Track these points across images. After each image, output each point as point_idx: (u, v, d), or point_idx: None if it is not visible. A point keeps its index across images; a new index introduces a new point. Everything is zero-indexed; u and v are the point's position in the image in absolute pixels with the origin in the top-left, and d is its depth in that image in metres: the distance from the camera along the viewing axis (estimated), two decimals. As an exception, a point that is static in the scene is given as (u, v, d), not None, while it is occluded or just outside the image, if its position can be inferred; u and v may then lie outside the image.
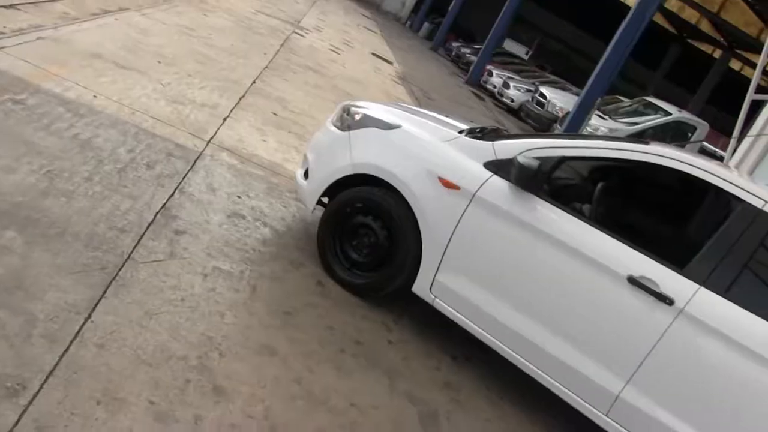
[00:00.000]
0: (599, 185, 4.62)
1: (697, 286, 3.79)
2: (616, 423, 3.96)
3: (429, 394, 4.00)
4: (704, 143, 17.89)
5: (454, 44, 32.85)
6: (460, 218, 4.26)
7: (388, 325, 4.50)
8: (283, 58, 11.53)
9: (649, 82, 35.24)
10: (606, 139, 4.39)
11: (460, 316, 4.33)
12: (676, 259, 3.90)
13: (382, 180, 4.52)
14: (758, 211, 3.83)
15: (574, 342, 4.02)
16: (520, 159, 4.08)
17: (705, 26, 28.82)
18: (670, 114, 17.65)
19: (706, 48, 32.88)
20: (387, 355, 4.17)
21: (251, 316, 3.84)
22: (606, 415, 3.99)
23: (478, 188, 4.23)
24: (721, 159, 12.37)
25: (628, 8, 14.52)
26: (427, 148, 4.49)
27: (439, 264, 4.34)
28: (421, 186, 4.37)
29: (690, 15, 28.05)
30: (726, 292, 3.76)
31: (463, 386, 4.26)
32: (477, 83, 25.15)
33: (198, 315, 3.62)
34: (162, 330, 3.37)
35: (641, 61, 36.66)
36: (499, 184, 4.22)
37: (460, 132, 4.65)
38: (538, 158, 4.12)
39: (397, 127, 4.63)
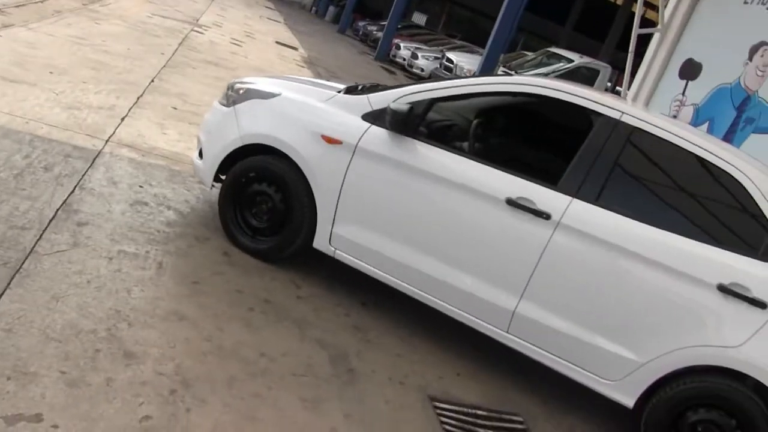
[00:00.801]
0: (474, 121, 4.94)
1: (569, 198, 4.11)
2: (517, 337, 4.28)
3: (339, 338, 4.25)
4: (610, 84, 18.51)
5: (361, 24, 33.09)
6: (347, 170, 4.51)
7: (296, 283, 4.74)
8: (182, 56, 11.59)
9: (559, 37, 36.02)
10: (474, 78, 4.68)
11: (360, 263, 4.59)
12: (549, 177, 4.23)
13: (272, 147, 4.73)
14: (616, 122, 4.18)
15: (467, 269, 4.31)
16: (392, 106, 4.35)
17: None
18: (573, 61, 18.26)
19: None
20: (296, 309, 4.41)
21: (158, 289, 4.04)
22: (507, 332, 4.30)
23: (359, 139, 4.49)
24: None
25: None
26: (306, 110, 4.72)
27: (334, 217, 4.59)
28: (306, 146, 4.60)
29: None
30: (596, 200, 4.11)
31: (372, 328, 4.52)
32: (386, 58, 25.46)
33: (105, 293, 3.79)
34: (69, 310, 3.54)
35: (549, 17, 37.48)
36: (377, 132, 4.48)
37: (339, 92, 4.88)
38: (409, 103, 4.39)
39: (277, 95, 4.85)
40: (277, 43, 18.91)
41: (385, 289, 4.60)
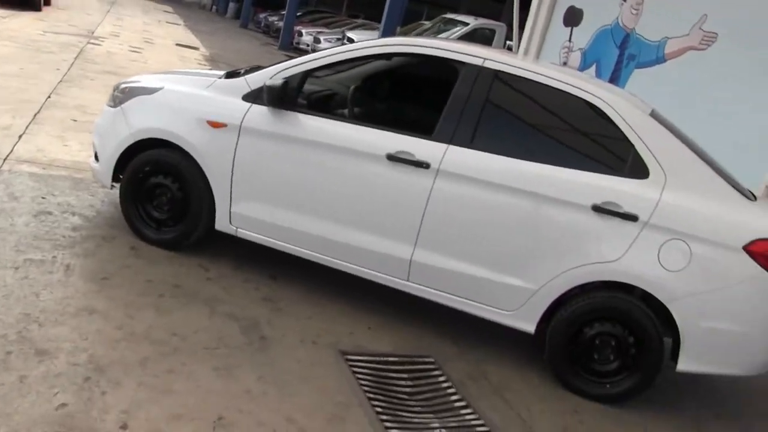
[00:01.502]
0: (351, 87, 5.15)
1: (445, 146, 4.37)
2: (418, 284, 4.53)
3: (249, 310, 4.44)
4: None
5: (262, 15, 32.97)
6: (235, 151, 4.69)
7: (204, 266, 4.90)
8: (79, 70, 11.51)
9: (461, 3, 36.44)
10: (342, 47, 4.88)
11: (262, 237, 4.78)
12: (425, 129, 4.49)
13: (163, 139, 4.87)
14: (480, 68, 4.44)
15: (361, 226, 4.54)
16: (268, 83, 4.54)
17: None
18: (468, 24, 18.67)
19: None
20: (206, 290, 4.58)
21: (67, 289, 4.16)
22: (408, 281, 4.55)
23: (242, 120, 4.67)
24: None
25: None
26: (189, 99, 4.88)
27: (230, 198, 4.76)
28: (194, 133, 4.76)
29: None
30: (471, 143, 4.37)
31: (283, 298, 4.73)
32: (290, 46, 25.47)
33: (13, 300, 3.90)
34: (-23, 321, 3.64)
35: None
36: (259, 110, 4.67)
37: (219, 78, 5.04)
38: (284, 78, 4.58)
39: (160, 88, 4.98)
40: (178, 45, 18.80)
41: (294, 259, 4.80)
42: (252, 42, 26.43)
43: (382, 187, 4.46)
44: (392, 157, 4.40)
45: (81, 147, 7.05)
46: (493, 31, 18.64)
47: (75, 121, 8.07)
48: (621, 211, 4.17)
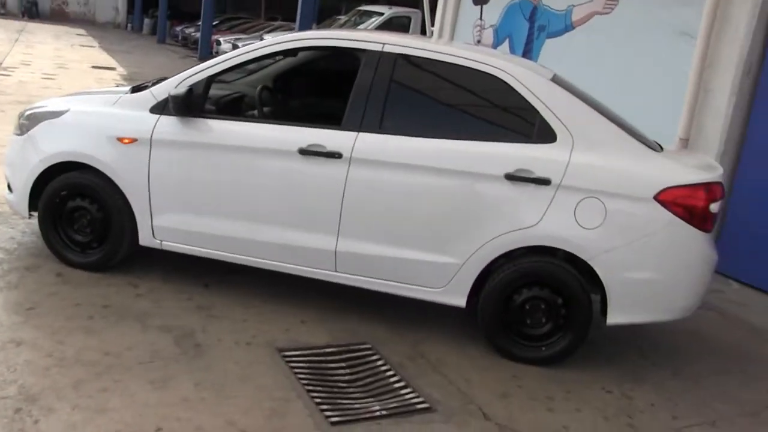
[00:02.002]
0: (258, 87, 5.17)
1: (355, 134, 4.42)
2: (347, 274, 4.58)
3: (182, 320, 4.44)
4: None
5: (178, 29, 32.61)
6: (149, 164, 4.67)
7: (134, 283, 4.87)
8: (-10, 102, 11.26)
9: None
10: (242, 48, 4.88)
11: (188, 246, 4.77)
12: (335, 120, 4.53)
13: (76, 162, 4.81)
14: (380, 53, 4.50)
15: (284, 224, 4.57)
16: (172, 92, 4.53)
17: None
18: (383, 14, 18.82)
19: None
20: (137, 306, 4.56)
21: (-9, 324, 4.10)
22: (336, 272, 4.59)
23: (152, 132, 4.65)
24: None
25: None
26: (96, 117, 4.84)
27: (151, 211, 4.74)
28: (105, 152, 4.72)
29: None
30: (380, 128, 4.43)
31: (216, 305, 4.73)
32: (211, 56, 25.21)
33: (-65, 342, 3.83)
34: None
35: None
36: (167, 121, 4.66)
37: (126, 93, 5.00)
38: (189, 86, 4.57)
39: (66, 111, 4.93)
40: (94, 67, 18.49)
41: (225, 265, 4.82)
42: (171, 56, 26.11)
43: (298, 181, 4.49)
44: (304, 151, 4.43)
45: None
46: (409, 18, 18.80)
47: (-11, 154, 7.88)
48: (533, 176, 4.26)
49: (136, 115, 4.74)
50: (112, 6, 42.89)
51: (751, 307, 6.36)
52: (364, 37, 4.62)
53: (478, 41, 10.55)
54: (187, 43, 30.78)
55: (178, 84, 4.66)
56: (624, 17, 8.20)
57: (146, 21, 38.04)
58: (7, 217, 5.88)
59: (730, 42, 6.91)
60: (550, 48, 9.30)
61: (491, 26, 10.41)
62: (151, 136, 4.64)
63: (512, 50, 9.90)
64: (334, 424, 3.56)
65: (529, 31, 9.67)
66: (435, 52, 4.52)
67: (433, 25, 11.61)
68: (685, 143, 7.15)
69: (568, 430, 3.85)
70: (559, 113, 4.34)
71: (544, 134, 4.33)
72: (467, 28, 10.88)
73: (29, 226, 5.71)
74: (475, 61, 4.47)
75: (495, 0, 10.36)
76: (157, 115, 4.68)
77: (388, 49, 4.52)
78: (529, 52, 9.60)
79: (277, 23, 27.78)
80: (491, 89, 4.48)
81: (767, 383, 4.82)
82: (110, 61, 20.60)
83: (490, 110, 4.62)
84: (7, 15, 38.88)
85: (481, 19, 10.60)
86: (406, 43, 4.56)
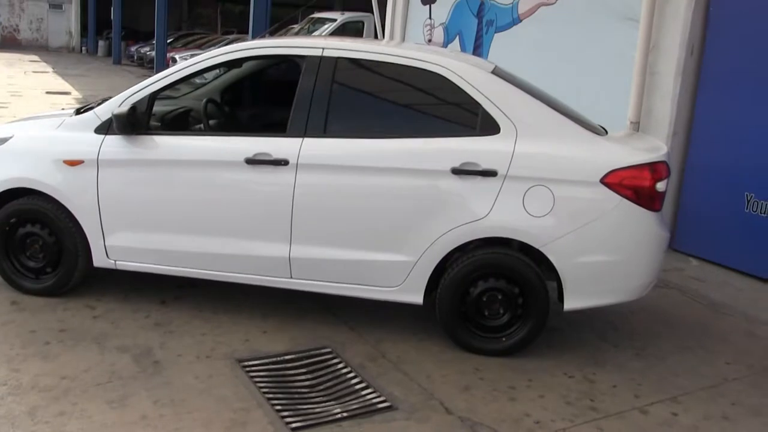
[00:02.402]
0: (204, 100, 5.17)
1: (300, 140, 4.43)
2: (303, 280, 4.58)
3: (140, 339, 4.41)
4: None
5: (133, 48, 32.41)
6: (97, 185, 4.64)
7: (91, 305, 4.84)
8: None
9: (335, 1, 36.58)
10: (183, 62, 4.87)
11: (142, 264, 4.75)
12: (280, 127, 4.54)
13: (24, 188, 4.78)
14: (320, 58, 4.51)
15: (236, 234, 4.57)
16: (115, 111, 4.51)
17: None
18: (336, 20, 18.87)
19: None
20: (94, 328, 4.52)
21: (-56, 358, 4.05)
22: (292, 278, 4.59)
23: (98, 153, 4.62)
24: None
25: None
26: (41, 142, 4.81)
27: (102, 232, 4.71)
28: (53, 176, 4.69)
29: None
30: (324, 133, 4.44)
31: (174, 320, 4.71)
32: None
33: None
34: None
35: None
36: (113, 141, 4.63)
37: (71, 115, 4.97)
38: (132, 104, 4.55)
39: (10, 137, 4.88)
40: (48, 93, 18.32)
41: (183, 281, 4.82)
42: (127, 77, 25.92)
43: (247, 191, 4.49)
44: (251, 161, 4.43)
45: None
46: (362, 23, 18.84)
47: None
48: (479, 169, 4.30)
49: (80, 136, 4.71)
50: (65, 30, 42.51)
51: (709, 283, 6.46)
52: (303, 43, 4.65)
53: (429, 40, 10.61)
54: (143, 62, 30.60)
55: (121, 103, 4.64)
56: (568, 6, 8.30)
57: (101, 43, 37.77)
58: (-40, 248, 5.80)
59: (672, 24, 7.02)
60: (499, 42, 9.38)
61: (441, 24, 10.47)
62: (98, 157, 4.62)
63: (462, 47, 9.97)
64: (294, 429, 3.56)
65: (478, 27, 9.74)
66: (375, 53, 4.55)
67: (384, 27, 11.65)
68: (636, 126, 7.25)
69: (530, 417, 3.87)
70: (501, 105, 4.37)
71: (488, 127, 4.37)
72: (418, 28, 10.93)
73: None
74: (415, 59, 4.50)
75: (444, -2, 10.42)
76: (102, 135, 4.65)
77: (327, 53, 4.54)
78: (479, 47, 9.67)
79: (232, 36, 27.68)
80: (433, 86, 4.51)
81: (725, 356, 4.90)
82: (65, 86, 20.43)
83: (433, 107, 4.65)
84: (-43, 44, 38.43)
85: (430, 18, 10.66)
86: (345, 47, 4.58)
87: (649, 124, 7.24)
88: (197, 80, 5.33)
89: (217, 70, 5.30)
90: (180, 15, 44.36)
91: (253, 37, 15.04)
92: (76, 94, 18.46)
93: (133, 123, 4.53)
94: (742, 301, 6.02)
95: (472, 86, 4.40)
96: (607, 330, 5.15)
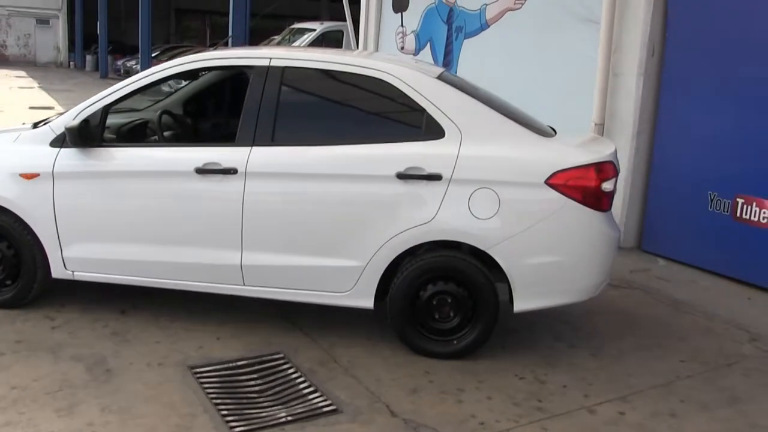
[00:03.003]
0: (158, 113, 5.25)
1: (248, 149, 4.50)
2: (255, 287, 4.65)
3: (95, 348, 4.46)
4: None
5: (120, 62, 32.52)
6: (53, 197, 4.71)
7: (50, 316, 4.90)
8: None
9: (321, 11, 36.77)
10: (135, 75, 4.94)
11: (99, 275, 4.82)
12: (229, 137, 4.62)
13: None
14: (267, 68, 4.60)
15: (188, 243, 4.65)
16: (68, 125, 4.59)
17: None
18: (315, 29, 19.01)
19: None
20: (51, 338, 4.58)
21: None
22: (245, 285, 4.65)
23: (53, 166, 4.69)
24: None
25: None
26: (-2, 156, 4.86)
27: (60, 244, 4.77)
28: (9, 189, 4.77)
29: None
30: (272, 141, 4.52)
31: (130, 329, 4.76)
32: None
33: None
34: None
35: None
36: (68, 153, 4.71)
37: (28, 129, 5.05)
38: (85, 117, 4.63)
39: (-35, 153, 4.95)
40: (32, 108, 18.37)
41: (143, 291, 4.88)
42: (114, 90, 25.97)
43: (199, 200, 4.57)
44: (201, 170, 4.50)
45: None
46: (341, 32, 18.95)
47: None
48: (424, 173, 4.36)
49: (36, 150, 4.78)
50: (53, 45, 42.66)
51: (674, 282, 6.51)
52: (251, 54, 4.73)
53: (402, 48, 10.69)
54: (129, 75, 30.64)
55: (75, 116, 4.71)
56: (534, 10, 8.38)
57: (88, 57, 37.91)
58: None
59: (633, 26, 7.10)
60: (468, 48, 9.46)
61: (413, 32, 10.55)
62: (53, 170, 4.69)
63: (434, 54, 10.05)
64: (238, 433, 3.62)
65: (448, 33, 9.82)
66: (320, 61, 4.63)
67: (357, 36, 11.74)
68: (601, 128, 7.32)
69: (475, 418, 3.92)
70: (446, 109, 4.44)
71: (433, 131, 4.43)
72: (391, 36, 11.01)
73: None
74: (360, 66, 4.58)
75: (414, 6, 10.50)
76: (58, 149, 4.72)
77: (275, 63, 4.61)
78: (449, 53, 9.75)
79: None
80: (378, 92, 4.58)
81: (681, 354, 4.94)
82: (49, 101, 20.50)
83: (378, 113, 4.75)
84: (-52, 64, 38.56)
85: (402, 26, 10.75)
86: (292, 56, 4.67)
87: (613, 125, 7.31)
88: (165, 89, 5.41)
89: (174, 83, 5.37)
90: (168, 28, 44.51)
91: (236, 40, 15.18)
92: (59, 108, 18.47)
93: (86, 136, 4.60)
94: (705, 300, 6.06)
95: (416, 91, 4.47)
96: (564, 331, 5.20)
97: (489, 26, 9.09)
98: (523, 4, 8.56)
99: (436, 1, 10.02)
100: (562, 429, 3.88)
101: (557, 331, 5.18)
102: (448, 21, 9.79)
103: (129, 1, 34.52)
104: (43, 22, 42.71)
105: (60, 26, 42.84)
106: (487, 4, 9.08)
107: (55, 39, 43.01)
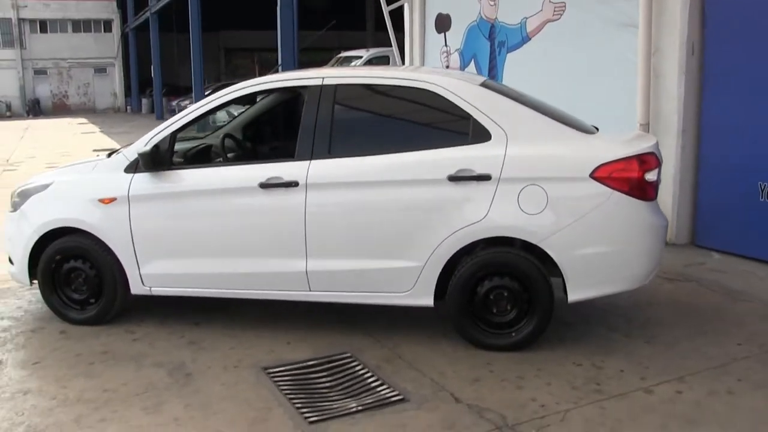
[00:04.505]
0: (221, 136, 5.62)
1: (307, 162, 4.80)
2: (320, 291, 4.93)
3: (175, 355, 4.79)
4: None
5: (174, 103, 33.46)
6: (130, 219, 5.07)
7: (131, 330, 5.25)
8: (-2, 196, 11.80)
9: (367, 40, 37.50)
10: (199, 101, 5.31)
11: (175, 289, 5.16)
12: (289, 153, 4.94)
13: (66, 227, 5.24)
14: (320, 87, 4.91)
15: (256, 254, 4.96)
16: (140, 151, 4.97)
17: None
18: (362, 56, 19.49)
19: None
20: (133, 349, 4.92)
21: (1, 378, 4.49)
22: (311, 291, 4.94)
23: (128, 190, 5.07)
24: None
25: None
26: (78, 184, 5.32)
27: (137, 262, 5.12)
28: (90, 214, 5.15)
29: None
30: (329, 154, 4.81)
31: (206, 339, 5.07)
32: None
33: (-52, 400, 4.20)
34: None
35: (351, 27, 38.92)
36: (141, 178, 5.08)
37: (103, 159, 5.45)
38: (155, 144, 5.01)
39: (51, 183, 5.38)
40: (95, 151, 19.12)
41: (215, 304, 5.24)
42: (171, 129, 26.81)
43: (264, 213, 4.88)
44: (264, 185, 4.82)
45: (4, 260, 7.30)
46: (387, 58, 19.31)
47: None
48: (474, 174, 4.61)
49: (112, 176, 5.17)
50: (110, 92, 44.45)
51: (730, 273, 6.58)
52: (305, 75, 5.07)
53: (447, 66, 10.97)
54: (185, 114, 31.51)
55: (146, 143, 5.08)
56: (573, 20, 8.58)
57: (144, 101, 39.21)
58: (14, 291, 6.29)
59: (671, 26, 7.26)
60: (512, 61, 9.69)
61: (457, 50, 10.83)
62: (128, 193, 5.06)
63: (478, 69, 10.30)
64: (312, 422, 3.87)
65: (491, 49, 10.07)
66: (369, 77, 4.95)
67: (404, 59, 12.06)
68: (646, 128, 7.46)
69: (536, 401, 4.10)
70: (491, 114, 4.69)
71: (479, 135, 4.69)
72: (436, 56, 11.30)
73: (35, 295, 6.10)
74: (407, 79, 4.88)
75: (456, 25, 10.79)
76: (132, 174, 5.10)
77: (327, 81, 4.93)
78: (493, 68, 10.00)
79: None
80: (426, 102, 4.86)
81: (737, 338, 5.04)
82: (111, 144, 21.29)
83: (427, 121, 5.02)
84: (13, 116, 40.40)
85: (446, 45, 11.04)
86: (343, 74, 5.02)
87: (658, 125, 7.44)
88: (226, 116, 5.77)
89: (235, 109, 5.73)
90: (218, 67, 45.74)
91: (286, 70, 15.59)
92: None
93: (157, 160, 4.97)
94: (762, 288, 6.12)
95: (462, 99, 4.73)
96: (619, 322, 5.33)
97: (530, 38, 9.32)
98: (562, 15, 8.77)
99: (477, 18, 10.28)
100: (620, 408, 4.04)
101: (612, 322, 5.32)
102: (490, 37, 10.05)
103: (180, 44, 35.65)
104: (100, 70, 44.75)
105: (116, 73, 44.76)
106: (527, 18, 9.31)
107: (112, 86, 44.87)
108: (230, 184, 4.93)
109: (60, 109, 42.02)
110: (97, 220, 5.14)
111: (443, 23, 11.02)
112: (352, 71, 5.11)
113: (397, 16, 12.02)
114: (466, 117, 4.73)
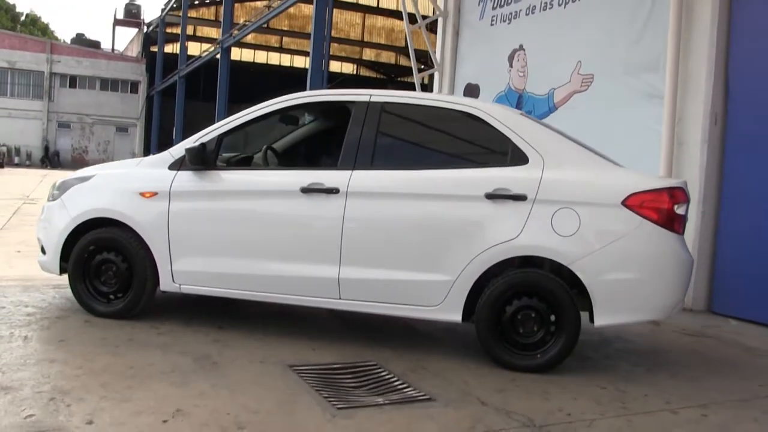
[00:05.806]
0: (264, 147, 5.81)
1: (350, 171, 4.93)
2: (350, 300, 4.97)
3: (200, 349, 4.79)
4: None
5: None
6: (168, 215, 5.17)
7: (156, 326, 5.27)
8: (18, 221, 12.06)
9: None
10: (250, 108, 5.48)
11: (204, 288, 5.21)
12: (332, 162, 5.08)
13: (103, 218, 5.34)
14: (368, 103, 5.09)
15: (290, 258, 5.03)
16: (187, 146, 5.13)
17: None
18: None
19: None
20: (158, 340, 4.94)
21: (27, 350, 4.50)
22: (341, 299, 4.98)
23: (171, 185, 5.19)
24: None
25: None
26: (121, 177, 5.45)
27: (170, 258, 5.20)
28: (129, 206, 5.25)
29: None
30: (371, 165, 4.95)
31: (230, 338, 5.09)
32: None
33: (-28, 365, 4.21)
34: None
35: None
36: (184, 175, 5.22)
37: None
38: (203, 143, 5.16)
39: (93, 176, 5.51)
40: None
41: (239, 310, 5.28)
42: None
43: (302, 217, 4.98)
44: (306, 189, 4.94)
45: (27, 267, 7.39)
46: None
47: (19, 251, 8.53)
48: (511, 193, 4.72)
49: (156, 172, 5.30)
50: (129, 151, 45.11)
51: (746, 336, 6.58)
52: (353, 91, 5.31)
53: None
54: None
55: (195, 141, 5.24)
56: (599, 91, 8.83)
57: (154, 151, 39.77)
58: (39, 287, 6.37)
59: (695, 96, 7.49)
60: (537, 129, 9.88)
61: (483, 118, 11.05)
62: (170, 189, 5.18)
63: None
64: (340, 408, 3.87)
65: (518, 117, 10.28)
66: (416, 98, 5.15)
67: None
68: (668, 195, 7.57)
69: (562, 411, 4.10)
70: (529, 139, 4.86)
71: (517, 158, 4.83)
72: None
73: (59, 292, 6.18)
74: (451, 102, 5.11)
75: (484, 94, 11.06)
76: (175, 171, 5.24)
77: (374, 99, 5.13)
78: (519, 135, 10.18)
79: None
80: (468, 125, 5.05)
81: (757, 380, 5.06)
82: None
83: (467, 142, 5.19)
84: (32, 165, 41.14)
85: (473, 112, 11.27)
86: (389, 93, 5.21)
87: (680, 192, 7.56)
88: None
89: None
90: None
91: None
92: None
93: (203, 158, 5.11)
94: (780, 349, 6.15)
95: (503, 124, 4.91)
96: (640, 360, 5.35)
97: (557, 108, 9.57)
98: (589, 86, 9.03)
99: (505, 89, 10.58)
100: (646, 422, 4.04)
101: (633, 360, 5.34)
102: (518, 106, 10.30)
103: (203, 111, 36.33)
104: (122, 129, 45.79)
105: (137, 133, 45.79)
106: (554, 89, 9.58)
107: (132, 145, 45.74)
108: (271, 187, 5.05)
109: (79, 162, 42.52)
110: (136, 212, 5.23)
111: (472, 92, 11.32)
112: (398, 92, 5.31)
113: (428, 84, 12.39)
114: (505, 140, 4.88)
